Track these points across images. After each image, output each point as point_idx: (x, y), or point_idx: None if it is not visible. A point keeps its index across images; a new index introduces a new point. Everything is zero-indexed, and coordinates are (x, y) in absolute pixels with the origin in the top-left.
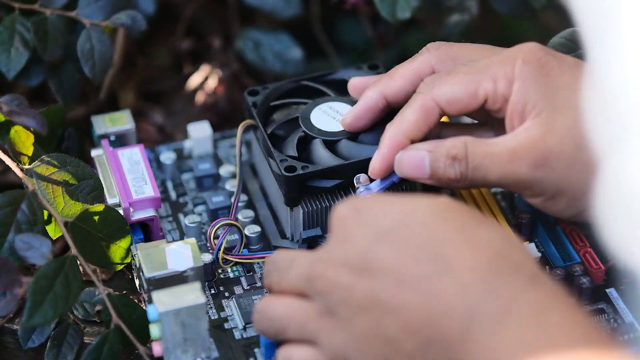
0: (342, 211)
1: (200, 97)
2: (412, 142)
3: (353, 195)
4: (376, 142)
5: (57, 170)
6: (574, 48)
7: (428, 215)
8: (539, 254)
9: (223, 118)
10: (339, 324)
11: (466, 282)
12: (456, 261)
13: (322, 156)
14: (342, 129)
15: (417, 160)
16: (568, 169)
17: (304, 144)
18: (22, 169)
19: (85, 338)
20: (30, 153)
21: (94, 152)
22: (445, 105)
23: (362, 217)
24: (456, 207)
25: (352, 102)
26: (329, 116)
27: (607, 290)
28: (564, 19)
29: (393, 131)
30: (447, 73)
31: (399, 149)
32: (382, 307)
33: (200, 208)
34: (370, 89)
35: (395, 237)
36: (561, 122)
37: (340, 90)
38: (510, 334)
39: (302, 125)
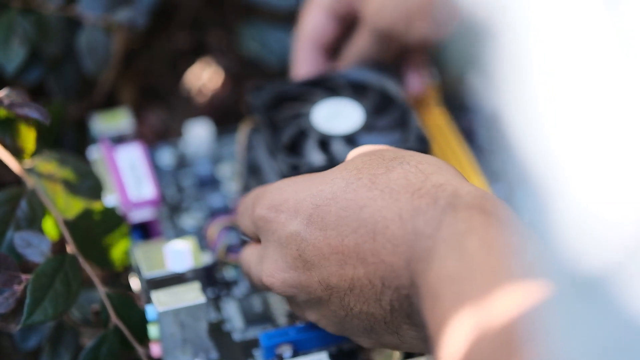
0: (262, 213)
1: (200, 94)
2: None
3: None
4: (381, 142)
5: (57, 167)
6: None
7: (335, 185)
8: None
9: (224, 115)
10: (311, 313)
11: (394, 236)
12: (378, 220)
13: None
14: (347, 128)
15: None
16: None
17: (305, 142)
18: (22, 166)
19: (82, 339)
20: (32, 148)
21: (93, 151)
22: None
23: (282, 216)
24: (363, 161)
25: (358, 101)
26: (333, 115)
27: None
28: None
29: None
30: None
31: None
32: (338, 290)
33: (199, 207)
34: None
35: (316, 221)
36: None
37: (345, 89)
38: (436, 270)
39: (306, 125)
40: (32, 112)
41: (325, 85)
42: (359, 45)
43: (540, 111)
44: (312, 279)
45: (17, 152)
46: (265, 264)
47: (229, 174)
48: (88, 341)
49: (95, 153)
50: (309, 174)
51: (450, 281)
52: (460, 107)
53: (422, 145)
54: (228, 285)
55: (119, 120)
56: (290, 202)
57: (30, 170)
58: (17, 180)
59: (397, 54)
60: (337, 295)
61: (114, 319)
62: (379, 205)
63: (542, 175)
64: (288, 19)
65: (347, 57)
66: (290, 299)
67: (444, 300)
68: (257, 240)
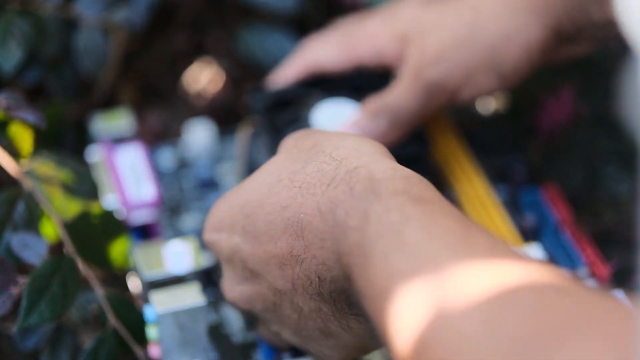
0: (208, 237)
1: (199, 95)
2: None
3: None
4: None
5: (55, 169)
6: None
7: (260, 192)
8: (545, 256)
9: (223, 115)
10: (274, 325)
11: (319, 230)
12: (300, 217)
13: None
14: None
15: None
16: (456, 64)
17: None
18: (19, 168)
19: (81, 340)
20: (29, 149)
21: (92, 151)
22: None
23: (222, 235)
24: (285, 158)
25: (357, 102)
26: (333, 116)
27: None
28: None
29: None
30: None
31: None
32: (286, 292)
33: (199, 209)
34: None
35: (250, 231)
36: (430, 41)
37: (345, 90)
38: (381, 268)
39: (306, 126)
40: (28, 115)
41: (324, 87)
42: (398, 95)
43: None
44: (262, 286)
45: (15, 154)
46: (224, 282)
47: (230, 174)
48: (88, 341)
49: (95, 154)
50: (242, 182)
51: (403, 279)
52: (461, 107)
53: (421, 146)
54: None
55: (119, 120)
56: (226, 220)
57: (27, 172)
58: (14, 182)
59: (440, 108)
60: (287, 298)
61: (113, 320)
62: (299, 202)
63: None
64: (287, 22)
65: (381, 107)
66: (256, 316)
67: (400, 298)
68: None
